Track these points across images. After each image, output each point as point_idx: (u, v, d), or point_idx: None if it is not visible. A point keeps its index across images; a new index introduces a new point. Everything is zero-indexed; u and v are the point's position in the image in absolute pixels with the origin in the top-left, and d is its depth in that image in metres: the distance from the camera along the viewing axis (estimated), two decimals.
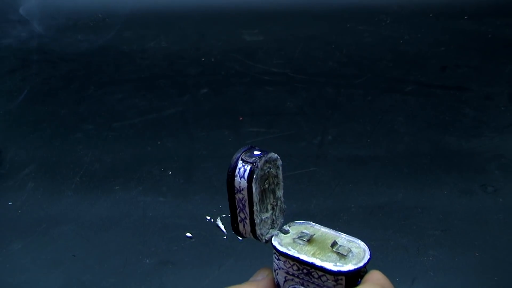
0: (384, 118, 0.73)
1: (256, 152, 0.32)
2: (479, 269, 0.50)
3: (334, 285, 0.30)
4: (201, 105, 0.76)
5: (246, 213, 0.32)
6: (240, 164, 0.31)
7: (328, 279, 0.30)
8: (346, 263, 0.30)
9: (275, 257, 0.32)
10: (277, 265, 0.32)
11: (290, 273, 0.31)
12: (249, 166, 0.31)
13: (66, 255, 0.51)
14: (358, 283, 0.31)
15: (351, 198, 0.59)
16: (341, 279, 0.30)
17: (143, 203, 0.57)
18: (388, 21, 0.97)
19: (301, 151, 0.67)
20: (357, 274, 0.31)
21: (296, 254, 0.31)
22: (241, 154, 0.31)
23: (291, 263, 0.31)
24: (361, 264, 0.31)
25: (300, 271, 0.31)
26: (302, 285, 0.31)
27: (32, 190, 0.60)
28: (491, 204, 0.58)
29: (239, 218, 0.32)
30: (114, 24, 0.97)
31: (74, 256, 0.51)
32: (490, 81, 0.81)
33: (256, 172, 0.31)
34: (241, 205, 0.32)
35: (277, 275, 0.32)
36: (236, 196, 0.31)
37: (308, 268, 0.31)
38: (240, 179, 0.31)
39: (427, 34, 0.94)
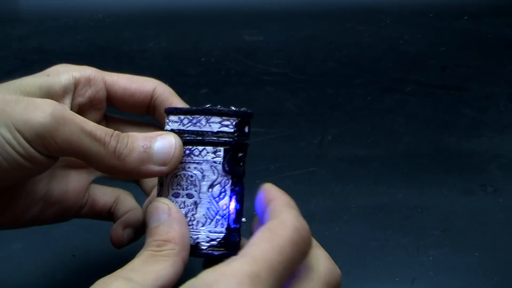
0: (384, 118, 0.73)
1: None
2: (479, 269, 0.50)
3: (213, 158, 0.33)
4: (201, 105, 0.76)
5: None
6: None
7: (208, 152, 0.33)
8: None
9: None
10: None
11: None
12: None
13: (66, 255, 0.51)
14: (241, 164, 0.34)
15: (351, 198, 0.59)
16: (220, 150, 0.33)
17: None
18: (388, 21, 0.97)
19: (301, 151, 0.67)
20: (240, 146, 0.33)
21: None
22: None
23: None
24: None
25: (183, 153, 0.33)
26: (183, 168, 0.33)
27: None
28: (491, 204, 0.58)
29: None
30: (114, 24, 0.97)
31: (74, 256, 0.51)
32: (490, 81, 0.81)
33: None
34: None
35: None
36: None
37: (189, 147, 0.33)
38: None
39: (427, 34, 0.94)
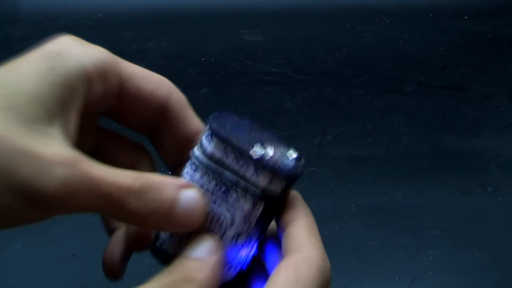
0: (384, 118, 0.73)
1: None
2: (479, 269, 0.50)
3: (249, 209, 0.28)
4: (201, 105, 0.76)
5: None
6: None
7: (246, 202, 0.28)
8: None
9: (193, 167, 0.29)
10: (191, 177, 0.29)
11: (205, 188, 0.28)
12: None
13: (66, 255, 0.51)
14: (275, 209, 0.29)
15: (351, 198, 0.59)
16: (260, 203, 0.28)
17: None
18: (388, 21, 0.97)
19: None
20: (277, 199, 0.29)
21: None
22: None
23: (211, 176, 0.28)
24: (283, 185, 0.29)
25: (218, 188, 0.28)
26: (214, 202, 0.28)
27: None
28: (491, 204, 0.58)
29: None
30: (114, 24, 0.97)
31: (74, 256, 0.51)
32: (490, 81, 0.81)
33: None
34: None
35: None
36: None
37: (229, 185, 0.28)
38: None
39: (427, 34, 0.94)
